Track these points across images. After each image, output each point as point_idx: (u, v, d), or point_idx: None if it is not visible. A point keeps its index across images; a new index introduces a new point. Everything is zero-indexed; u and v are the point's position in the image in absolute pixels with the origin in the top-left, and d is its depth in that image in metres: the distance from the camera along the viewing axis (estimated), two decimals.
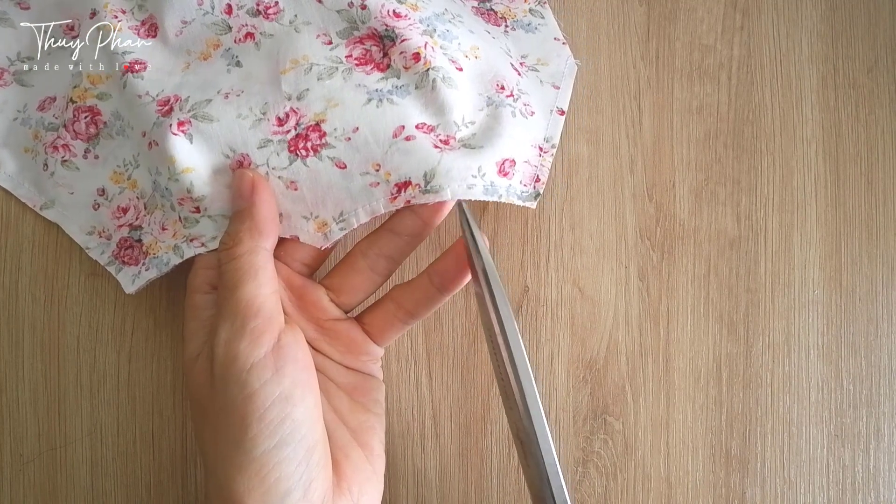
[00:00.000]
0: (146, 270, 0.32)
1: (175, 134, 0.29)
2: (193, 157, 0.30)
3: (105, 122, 0.33)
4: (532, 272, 0.35)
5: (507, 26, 0.36)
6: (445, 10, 0.33)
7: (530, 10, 0.36)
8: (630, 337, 0.35)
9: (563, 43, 0.36)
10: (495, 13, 0.36)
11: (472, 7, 0.36)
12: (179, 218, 0.31)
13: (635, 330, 0.35)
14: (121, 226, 0.33)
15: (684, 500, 0.34)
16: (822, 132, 0.36)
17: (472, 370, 0.34)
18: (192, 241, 0.31)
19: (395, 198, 0.29)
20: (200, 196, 0.30)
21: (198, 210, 0.30)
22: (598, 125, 0.35)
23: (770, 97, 0.36)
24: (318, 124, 0.30)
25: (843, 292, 0.36)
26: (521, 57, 0.35)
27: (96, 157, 0.33)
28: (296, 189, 0.30)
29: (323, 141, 0.30)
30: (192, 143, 0.30)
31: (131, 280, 0.32)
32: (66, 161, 0.33)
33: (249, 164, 0.30)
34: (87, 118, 0.33)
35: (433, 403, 0.34)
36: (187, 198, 0.30)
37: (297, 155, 0.30)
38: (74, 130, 0.33)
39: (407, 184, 0.29)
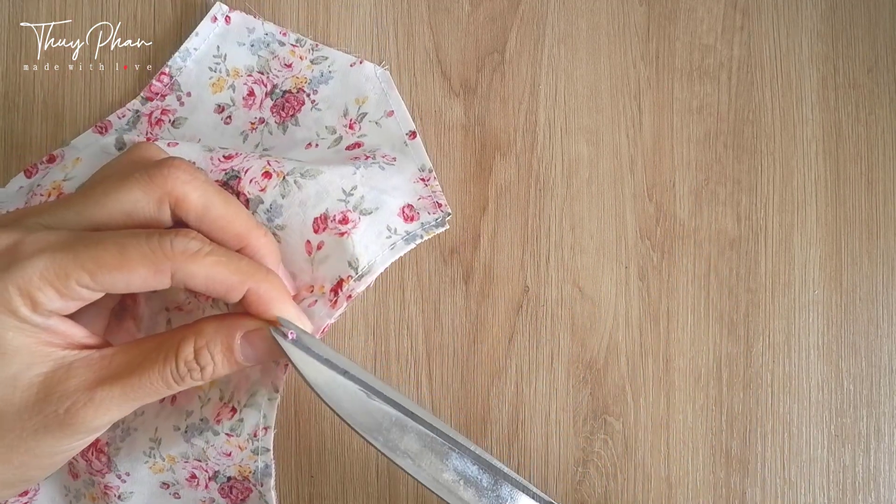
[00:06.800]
0: (267, 479, 0.31)
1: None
2: None
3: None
4: (532, 272, 0.35)
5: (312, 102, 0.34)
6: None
7: (311, 60, 0.34)
8: (630, 337, 0.35)
9: (360, 61, 0.34)
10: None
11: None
12: (227, 433, 0.31)
13: (635, 330, 0.35)
14: (207, 486, 0.32)
15: (684, 500, 0.34)
16: (822, 132, 0.36)
17: (472, 370, 0.34)
18: (255, 435, 0.31)
19: (336, 301, 0.29)
20: (230, 396, 0.30)
21: (234, 410, 0.30)
22: (598, 125, 0.35)
23: (770, 97, 0.36)
24: None
25: (844, 292, 0.36)
26: (343, 117, 0.34)
27: (128, 473, 0.31)
28: None
29: None
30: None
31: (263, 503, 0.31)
32: (116, 495, 0.31)
33: None
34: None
35: (433, 403, 0.34)
36: (222, 407, 0.30)
37: None
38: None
39: (340, 282, 0.29)
